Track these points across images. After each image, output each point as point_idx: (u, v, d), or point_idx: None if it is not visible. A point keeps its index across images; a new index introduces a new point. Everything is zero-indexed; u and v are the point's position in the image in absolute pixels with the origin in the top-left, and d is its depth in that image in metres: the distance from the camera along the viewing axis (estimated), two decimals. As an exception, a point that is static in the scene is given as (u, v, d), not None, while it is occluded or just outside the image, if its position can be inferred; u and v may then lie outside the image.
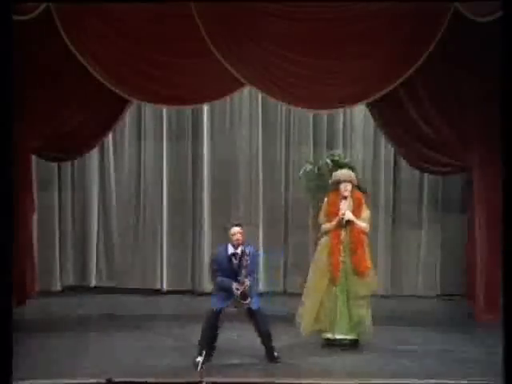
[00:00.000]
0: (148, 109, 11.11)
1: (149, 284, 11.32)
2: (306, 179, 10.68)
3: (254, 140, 11.31)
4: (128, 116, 10.85)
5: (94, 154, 11.10)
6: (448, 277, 11.17)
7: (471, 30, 9.05)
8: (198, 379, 7.12)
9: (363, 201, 8.60)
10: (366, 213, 8.55)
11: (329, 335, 8.47)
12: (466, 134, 9.61)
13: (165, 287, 11.29)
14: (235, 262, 7.90)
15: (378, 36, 9.04)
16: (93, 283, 11.38)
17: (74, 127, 9.84)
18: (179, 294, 11.19)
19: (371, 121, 10.46)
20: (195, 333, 8.02)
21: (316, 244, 8.83)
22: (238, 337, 8.60)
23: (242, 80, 9.23)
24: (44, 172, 10.94)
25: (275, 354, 7.96)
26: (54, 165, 11.03)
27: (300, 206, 11.19)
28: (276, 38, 9.09)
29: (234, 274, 7.85)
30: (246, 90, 10.57)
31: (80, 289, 11.30)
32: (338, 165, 10.12)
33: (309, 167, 10.68)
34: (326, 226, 8.52)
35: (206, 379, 7.11)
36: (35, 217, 10.37)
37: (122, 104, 9.80)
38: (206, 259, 10.88)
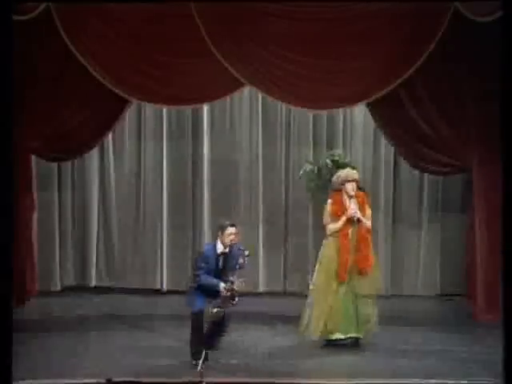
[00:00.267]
0: (148, 109, 11.11)
1: (149, 284, 11.32)
2: (306, 179, 10.68)
3: (254, 140, 11.31)
4: (128, 116, 10.85)
5: (94, 154, 11.09)
6: (448, 277, 11.17)
7: (471, 30, 9.05)
8: (197, 379, 7.12)
9: (366, 200, 8.61)
10: (368, 212, 8.57)
11: (337, 335, 8.46)
12: (466, 134, 9.61)
13: (165, 287, 11.29)
14: (221, 261, 7.80)
15: (378, 36, 9.05)
16: (93, 283, 11.37)
17: (74, 127, 9.84)
18: (179, 294, 11.14)
19: (371, 121, 10.45)
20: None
21: (319, 244, 8.80)
22: (237, 337, 8.59)
23: (242, 80, 9.24)
24: (44, 172, 10.93)
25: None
26: (54, 165, 11.02)
27: (300, 206, 11.19)
28: (276, 37, 9.09)
29: (219, 274, 7.75)
30: (246, 90, 10.57)
31: (80, 289, 11.30)
32: (338, 165, 10.12)
33: (309, 167, 10.68)
34: (335, 225, 8.47)
35: (205, 379, 7.11)
36: (35, 216, 10.37)
37: (122, 104, 9.79)
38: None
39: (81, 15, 9.05)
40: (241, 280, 7.68)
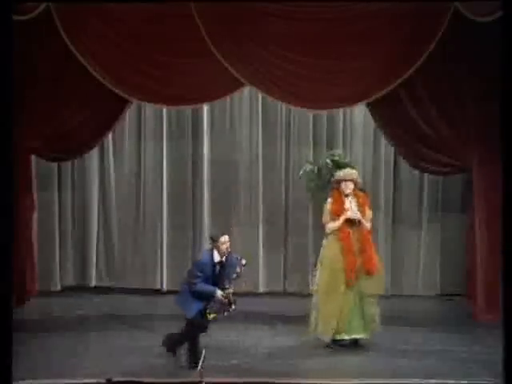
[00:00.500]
0: (148, 109, 11.10)
1: (149, 284, 11.32)
2: (306, 179, 10.67)
3: (254, 140, 11.30)
4: (128, 116, 10.84)
5: (94, 154, 11.08)
6: (448, 277, 11.16)
7: (471, 30, 9.05)
8: (197, 379, 7.12)
9: (366, 201, 8.62)
10: (368, 213, 8.57)
11: (342, 336, 8.47)
12: (466, 134, 9.61)
13: (165, 287, 11.28)
14: (217, 270, 7.80)
15: (378, 36, 9.04)
16: (93, 283, 11.36)
17: (74, 127, 9.83)
18: (179, 294, 11.18)
19: (371, 121, 10.45)
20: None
21: (319, 244, 8.80)
22: (237, 337, 8.60)
23: (242, 80, 9.24)
24: (44, 172, 10.93)
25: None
26: (54, 165, 11.02)
27: (300, 206, 11.18)
28: (276, 37, 9.09)
29: (215, 282, 7.75)
30: (246, 90, 10.57)
31: (80, 289, 11.28)
32: (338, 165, 10.09)
33: (309, 167, 10.67)
34: (334, 224, 8.48)
35: (205, 379, 7.11)
36: (35, 217, 10.37)
37: (122, 104, 9.79)
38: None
39: (81, 15, 9.05)
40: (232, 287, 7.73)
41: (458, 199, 11.12)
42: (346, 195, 8.49)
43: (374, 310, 8.50)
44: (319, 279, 8.56)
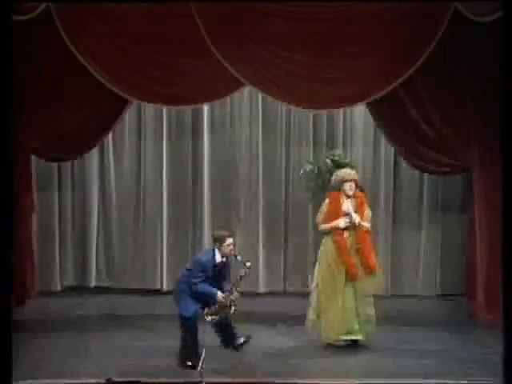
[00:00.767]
0: (148, 109, 11.10)
1: (149, 284, 11.32)
2: (306, 179, 10.68)
3: (254, 140, 11.30)
4: (128, 116, 10.85)
5: (94, 154, 11.08)
6: (448, 277, 11.16)
7: (471, 30, 9.05)
8: (197, 379, 7.12)
9: (365, 200, 8.61)
10: (367, 212, 8.56)
11: (342, 337, 8.46)
12: (466, 134, 9.61)
13: (165, 287, 11.27)
14: (218, 270, 7.76)
15: (378, 36, 9.04)
16: (93, 283, 11.37)
17: (73, 127, 9.83)
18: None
19: (371, 121, 10.45)
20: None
21: (319, 244, 8.79)
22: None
23: (242, 80, 9.24)
24: (44, 172, 10.93)
25: None
26: (54, 165, 11.02)
27: (300, 206, 11.18)
28: (276, 37, 9.09)
29: (215, 283, 7.73)
30: (246, 90, 10.57)
31: (80, 289, 11.29)
32: (338, 165, 10.11)
33: (309, 167, 10.68)
34: (325, 226, 8.49)
35: (205, 379, 7.11)
36: (35, 216, 10.37)
37: (122, 104, 9.80)
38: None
39: (81, 15, 9.05)
40: (239, 289, 7.71)
41: (458, 199, 11.13)
42: (349, 196, 8.47)
43: (370, 311, 8.49)
44: (317, 276, 8.56)
